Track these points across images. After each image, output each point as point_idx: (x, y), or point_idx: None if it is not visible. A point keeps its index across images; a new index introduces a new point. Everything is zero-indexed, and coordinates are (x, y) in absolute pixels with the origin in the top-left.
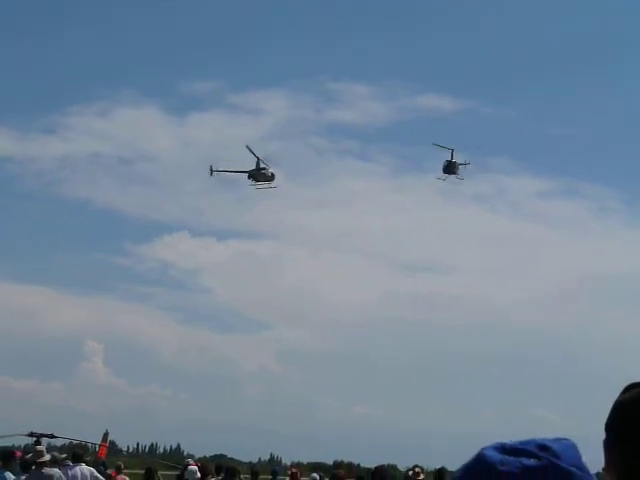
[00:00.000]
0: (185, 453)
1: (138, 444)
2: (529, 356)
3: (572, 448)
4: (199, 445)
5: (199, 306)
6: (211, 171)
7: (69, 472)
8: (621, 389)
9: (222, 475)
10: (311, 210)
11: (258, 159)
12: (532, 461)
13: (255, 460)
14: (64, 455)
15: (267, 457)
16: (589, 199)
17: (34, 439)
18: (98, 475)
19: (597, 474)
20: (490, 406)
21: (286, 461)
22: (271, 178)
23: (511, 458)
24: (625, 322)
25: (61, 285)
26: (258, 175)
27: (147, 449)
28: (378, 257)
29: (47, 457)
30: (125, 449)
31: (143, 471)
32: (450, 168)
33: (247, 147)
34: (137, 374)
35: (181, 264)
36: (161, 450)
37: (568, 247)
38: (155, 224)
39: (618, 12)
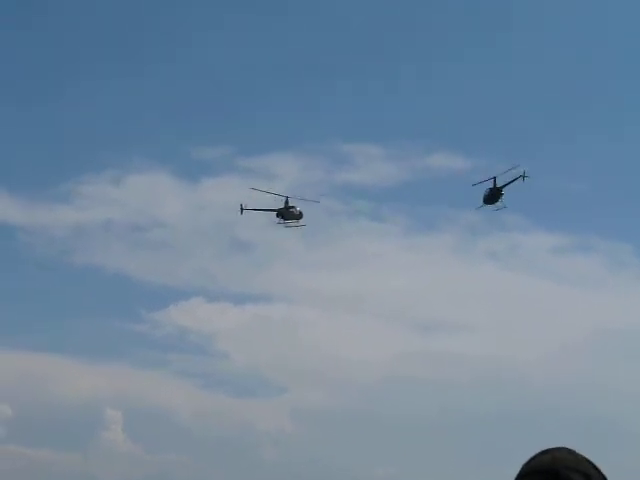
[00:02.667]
0: None
1: None
2: (545, 413)
3: None
4: None
5: (216, 371)
6: (241, 209)
7: None
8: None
9: None
10: (324, 271)
11: (287, 198)
12: None
13: None
14: None
15: None
16: (603, 254)
17: None
18: None
19: None
20: (509, 464)
21: None
22: (299, 216)
23: None
24: (638, 378)
25: (77, 353)
26: (286, 213)
27: None
28: (392, 317)
29: None
30: None
31: None
32: (492, 197)
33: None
34: (156, 441)
35: (197, 329)
36: None
37: (583, 303)
38: (170, 290)
39: (632, 62)
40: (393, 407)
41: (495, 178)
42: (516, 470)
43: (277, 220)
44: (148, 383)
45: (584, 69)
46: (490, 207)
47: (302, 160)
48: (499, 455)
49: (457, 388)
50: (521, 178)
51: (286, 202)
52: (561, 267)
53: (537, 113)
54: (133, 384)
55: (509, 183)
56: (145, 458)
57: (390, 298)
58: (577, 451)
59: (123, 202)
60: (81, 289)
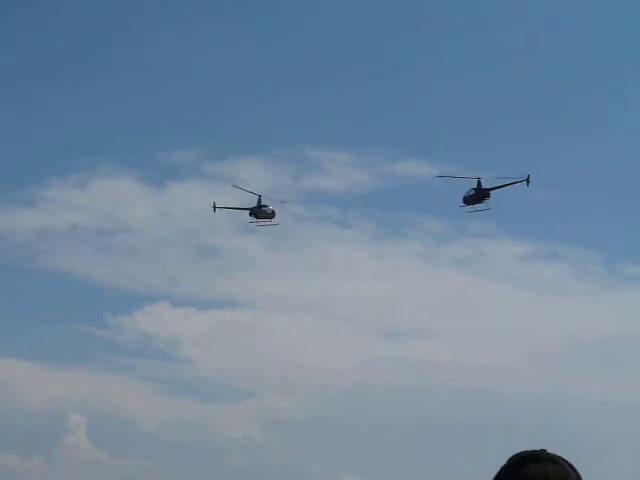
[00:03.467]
0: None
1: None
2: (511, 420)
3: None
4: None
5: (182, 376)
6: (214, 208)
7: None
8: (604, 452)
9: None
10: (292, 277)
11: (259, 197)
12: None
13: None
14: None
15: None
16: (569, 262)
17: None
18: None
19: None
20: (476, 471)
21: None
22: (272, 215)
23: None
24: (605, 386)
25: (42, 358)
26: (259, 212)
27: None
28: (360, 323)
29: None
30: None
31: None
32: (475, 198)
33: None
34: (121, 446)
35: (162, 335)
36: None
37: (549, 310)
38: (135, 295)
39: (599, 77)
40: (360, 413)
41: (480, 179)
42: (484, 477)
43: (250, 219)
44: (113, 388)
45: (552, 75)
46: (469, 207)
47: (270, 165)
48: (466, 462)
49: (425, 395)
50: (525, 182)
51: (259, 201)
52: (529, 274)
53: (504, 120)
54: (98, 389)
55: (506, 185)
56: (110, 463)
57: (358, 304)
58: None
59: (89, 206)
60: (46, 294)
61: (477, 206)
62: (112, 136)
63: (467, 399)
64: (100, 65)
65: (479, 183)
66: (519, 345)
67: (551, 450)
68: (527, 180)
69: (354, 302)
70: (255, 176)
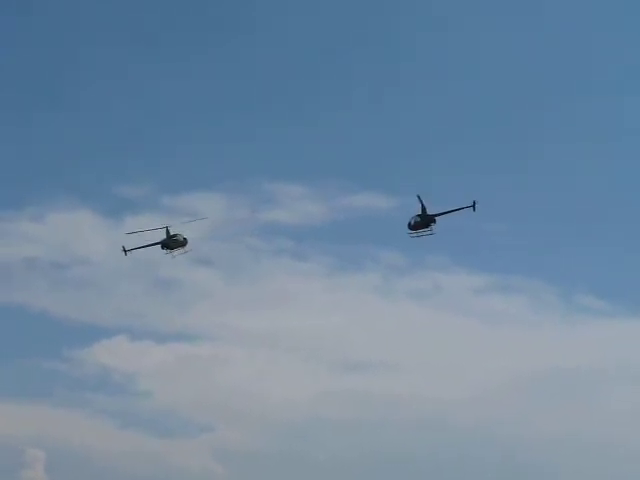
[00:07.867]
0: None
1: None
2: (467, 454)
3: None
4: None
5: (139, 410)
6: (125, 251)
7: None
8: None
9: None
10: (248, 310)
11: (167, 228)
12: None
13: None
14: None
15: None
16: (524, 294)
17: None
18: None
19: None
20: None
21: None
22: (184, 243)
23: None
24: (561, 419)
25: None
26: (171, 243)
27: None
28: (316, 356)
29: None
30: None
31: None
32: (420, 224)
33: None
34: None
35: (120, 368)
36: None
37: (505, 343)
38: (93, 328)
39: (545, 108)
40: (317, 446)
41: (421, 201)
42: None
43: (164, 251)
44: (71, 422)
45: (501, 104)
46: (415, 233)
47: (226, 198)
48: None
49: (381, 427)
50: (471, 208)
51: (167, 232)
52: (483, 307)
53: (456, 153)
54: (56, 423)
55: (453, 211)
56: None
57: (315, 337)
58: None
59: (45, 240)
60: (1, 327)
61: (421, 231)
62: (68, 170)
63: (423, 432)
64: (56, 98)
65: (423, 209)
66: (475, 377)
67: None
68: (473, 206)
69: (311, 335)
70: (211, 209)
